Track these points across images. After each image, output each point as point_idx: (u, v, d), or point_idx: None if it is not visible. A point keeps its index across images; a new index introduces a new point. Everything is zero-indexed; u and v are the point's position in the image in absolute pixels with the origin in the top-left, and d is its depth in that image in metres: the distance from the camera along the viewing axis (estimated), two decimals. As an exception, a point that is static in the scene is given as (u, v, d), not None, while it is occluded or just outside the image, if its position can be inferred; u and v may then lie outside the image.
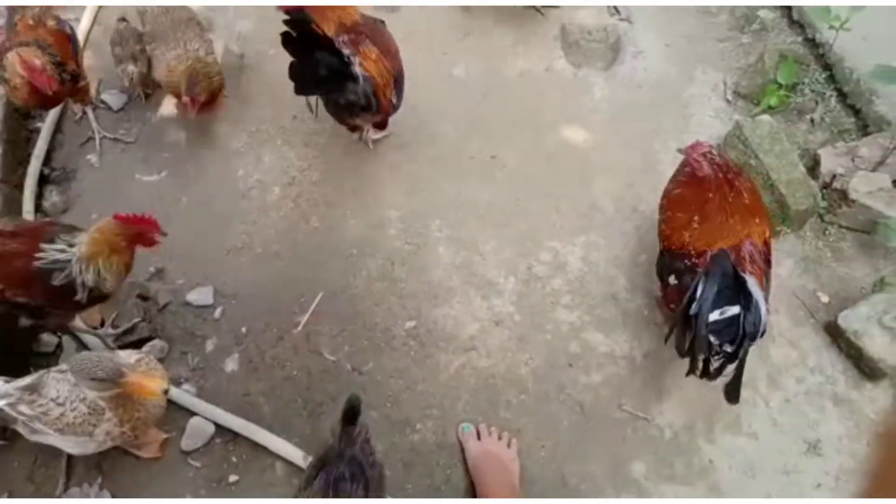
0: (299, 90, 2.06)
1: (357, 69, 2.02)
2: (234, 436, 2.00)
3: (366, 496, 1.47)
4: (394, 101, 2.20)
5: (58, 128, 2.51)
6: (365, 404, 2.05)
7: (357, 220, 2.40)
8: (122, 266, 1.81)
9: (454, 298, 2.27)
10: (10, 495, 1.90)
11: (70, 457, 1.89)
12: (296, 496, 1.57)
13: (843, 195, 2.35)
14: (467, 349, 2.18)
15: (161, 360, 2.07)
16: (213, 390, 2.07)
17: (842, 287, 2.33)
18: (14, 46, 2.07)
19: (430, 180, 2.49)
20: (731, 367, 1.86)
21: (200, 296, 2.20)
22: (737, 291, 1.77)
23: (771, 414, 2.13)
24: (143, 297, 2.14)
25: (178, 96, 2.36)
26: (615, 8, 2.92)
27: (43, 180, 2.39)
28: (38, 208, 2.31)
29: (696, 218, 1.98)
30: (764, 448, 2.08)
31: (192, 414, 2.01)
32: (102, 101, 2.57)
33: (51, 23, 2.23)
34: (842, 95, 2.63)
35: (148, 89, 2.58)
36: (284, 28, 1.88)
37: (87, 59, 2.68)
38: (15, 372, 1.79)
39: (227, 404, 2.03)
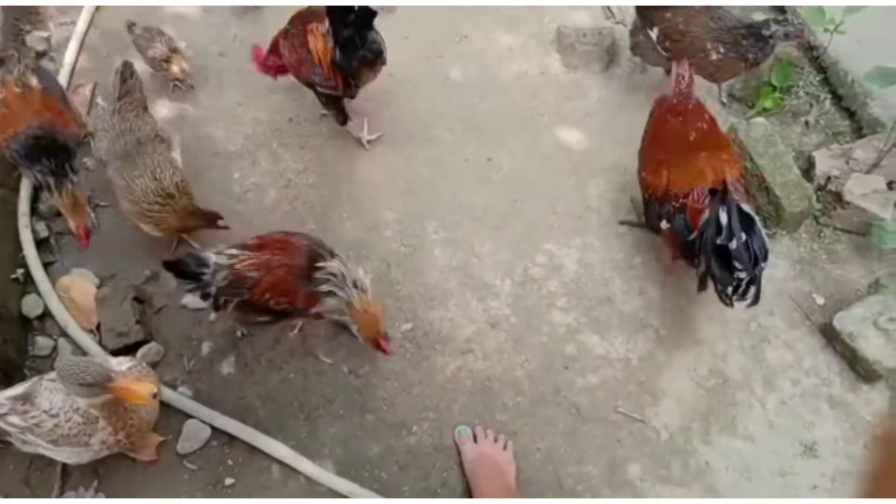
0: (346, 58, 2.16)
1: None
2: (231, 439, 2.00)
3: None
4: None
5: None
6: (361, 407, 2.08)
7: (353, 222, 2.40)
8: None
9: (450, 301, 2.27)
10: (6, 498, 1.90)
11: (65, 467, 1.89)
12: None
13: (838, 197, 2.35)
14: (464, 351, 2.19)
15: (157, 364, 2.08)
16: (209, 393, 2.07)
17: (837, 289, 2.33)
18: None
19: (426, 183, 2.50)
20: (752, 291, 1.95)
21: (196, 299, 2.16)
22: (739, 219, 1.87)
23: (767, 416, 2.13)
24: (139, 300, 2.13)
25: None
26: (610, 10, 2.93)
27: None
28: (33, 211, 2.31)
29: (664, 152, 2.14)
30: (760, 450, 2.08)
31: (188, 417, 2.01)
32: (98, 104, 2.57)
33: (34, 82, 2.12)
34: (836, 98, 2.64)
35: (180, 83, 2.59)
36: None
37: (82, 63, 2.69)
38: (10, 376, 1.79)
39: (222, 407, 2.03)
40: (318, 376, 2.12)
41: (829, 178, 2.39)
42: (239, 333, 2.16)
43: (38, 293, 2.14)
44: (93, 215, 2.27)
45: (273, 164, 2.51)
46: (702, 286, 2.07)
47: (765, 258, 1.89)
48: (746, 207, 1.93)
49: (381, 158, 2.55)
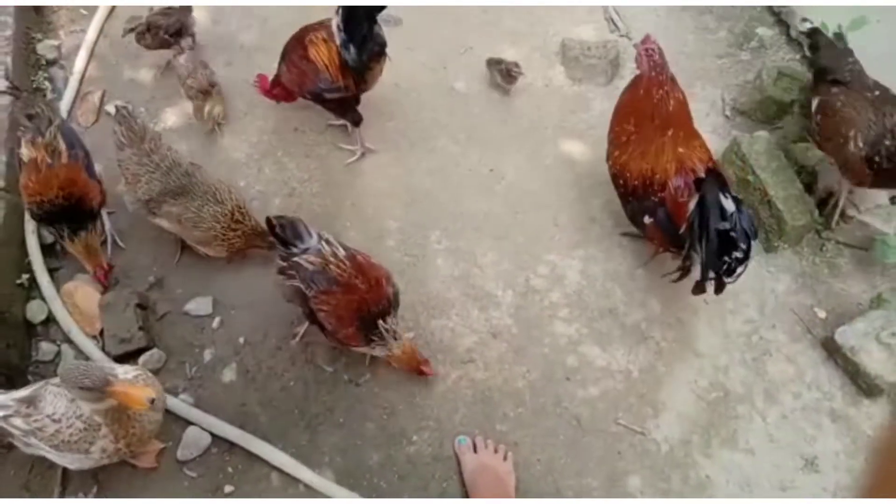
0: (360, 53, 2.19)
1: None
2: (231, 446, 2.00)
3: None
4: None
5: (69, 117, 2.53)
6: (361, 415, 2.08)
7: (356, 231, 2.42)
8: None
9: (452, 310, 2.27)
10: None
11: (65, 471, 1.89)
12: None
13: (841, 212, 2.36)
14: (465, 361, 2.19)
15: (158, 370, 2.09)
16: (211, 400, 2.07)
17: (839, 303, 2.33)
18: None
19: (429, 192, 2.51)
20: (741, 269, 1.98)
21: (199, 306, 2.21)
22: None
23: (768, 429, 2.13)
24: (142, 307, 2.14)
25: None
26: (614, 24, 2.95)
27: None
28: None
29: (632, 122, 2.18)
30: (761, 464, 2.07)
31: (189, 424, 2.01)
32: (108, 113, 2.60)
33: (62, 147, 2.06)
34: (840, 113, 2.64)
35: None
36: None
37: (91, 71, 2.72)
38: (12, 380, 1.80)
39: (223, 414, 2.03)
40: (319, 385, 2.12)
41: (831, 193, 2.39)
42: (241, 340, 2.17)
43: (43, 298, 2.16)
44: (109, 251, 2.28)
45: (278, 172, 2.53)
46: (683, 275, 2.12)
47: (755, 235, 1.93)
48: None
49: (385, 168, 2.56)
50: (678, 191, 2.06)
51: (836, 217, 2.42)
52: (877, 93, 2.20)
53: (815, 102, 2.32)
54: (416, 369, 2.03)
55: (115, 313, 2.10)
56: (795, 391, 2.19)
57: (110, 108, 2.59)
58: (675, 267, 2.16)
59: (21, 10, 2.72)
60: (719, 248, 1.90)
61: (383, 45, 2.23)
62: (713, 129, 2.68)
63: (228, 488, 1.96)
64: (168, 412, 1.99)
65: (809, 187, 2.43)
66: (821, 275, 2.39)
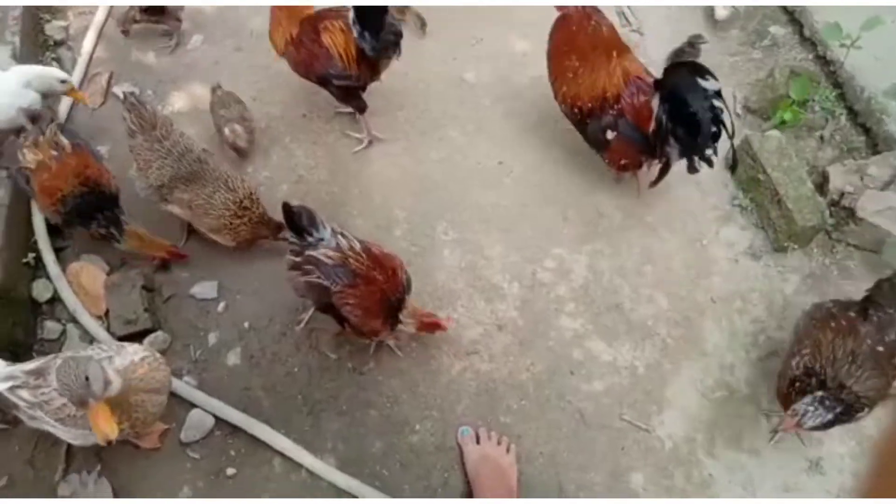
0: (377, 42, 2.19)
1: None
2: (234, 429, 2.00)
3: None
4: None
5: (68, 118, 2.52)
6: (365, 403, 2.08)
7: (363, 219, 2.41)
8: None
9: (458, 301, 2.27)
10: (10, 479, 1.90)
11: (70, 443, 1.88)
12: None
13: (851, 213, 2.34)
14: (469, 352, 2.18)
15: (163, 352, 2.08)
16: (214, 383, 2.07)
17: (847, 305, 2.32)
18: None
19: (437, 183, 2.50)
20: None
21: (205, 289, 2.20)
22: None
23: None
24: (148, 289, 2.14)
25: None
26: (626, 18, 2.93)
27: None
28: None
29: (574, 58, 2.25)
30: (765, 464, 2.06)
31: (193, 406, 2.01)
32: (115, 95, 2.59)
33: (64, 141, 2.06)
34: (852, 114, 2.62)
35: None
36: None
37: (99, 53, 2.71)
38: (18, 358, 1.79)
39: (227, 398, 2.03)
40: (323, 371, 2.12)
41: (842, 194, 2.37)
42: (246, 325, 2.16)
43: (48, 277, 2.15)
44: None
45: (285, 159, 2.52)
46: (664, 173, 2.27)
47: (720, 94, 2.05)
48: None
49: (394, 157, 2.55)
50: (633, 97, 2.17)
51: None
52: None
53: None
54: (433, 328, 2.02)
55: (120, 294, 2.10)
56: (801, 392, 2.17)
57: (118, 91, 2.58)
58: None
59: (30, -9, 2.72)
60: (711, 121, 2.04)
61: (399, 34, 2.22)
62: (725, 128, 2.66)
63: (231, 471, 1.95)
64: (172, 394, 1.99)
65: (821, 188, 2.41)
66: (830, 276, 2.38)
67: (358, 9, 2.13)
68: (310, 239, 1.87)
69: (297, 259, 1.89)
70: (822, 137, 2.61)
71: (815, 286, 2.36)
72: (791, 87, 2.57)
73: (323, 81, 2.35)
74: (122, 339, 2.03)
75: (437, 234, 2.40)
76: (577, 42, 2.25)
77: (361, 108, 2.45)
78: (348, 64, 2.23)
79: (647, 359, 2.21)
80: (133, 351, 1.66)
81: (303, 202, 2.38)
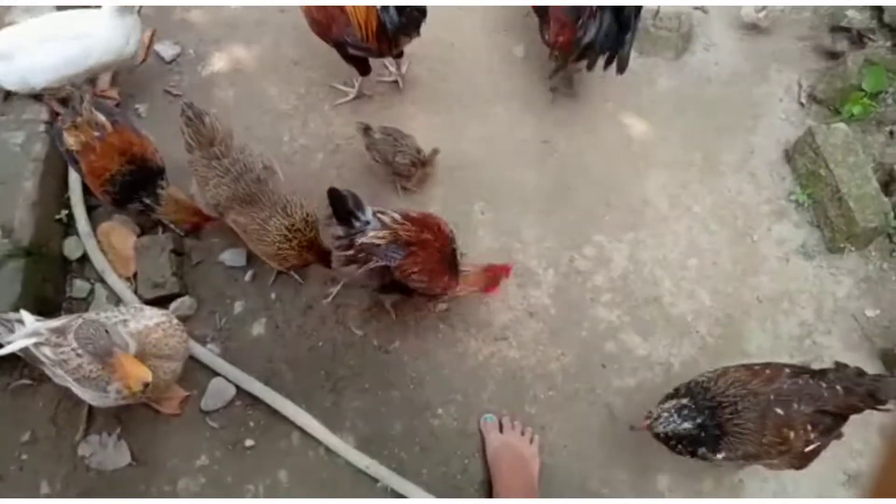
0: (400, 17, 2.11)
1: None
2: (254, 401, 1.98)
3: None
4: None
5: (113, 79, 2.49)
6: (388, 383, 2.04)
7: (399, 195, 2.34)
8: None
9: (489, 285, 2.19)
10: (33, 435, 1.93)
11: (91, 405, 1.89)
12: None
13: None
14: (498, 338, 2.11)
15: (188, 318, 2.07)
16: (238, 353, 2.05)
17: (904, 314, 2.18)
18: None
19: (477, 160, 2.41)
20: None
21: (233, 257, 2.17)
22: None
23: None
24: (178, 253, 2.12)
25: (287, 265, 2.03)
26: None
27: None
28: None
29: None
30: (800, 474, 1.95)
31: (215, 374, 2.00)
32: (157, 53, 2.55)
33: (102, 119, 1.96)
34: (928, 109, 2.43)
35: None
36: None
37: (144, 9, 2.66)
38: (46, 314, 1.79)
39: (249, 368, 2.01)
40: (348, 348, 2.08)
41: (911, 194, 2.21)
42: (273, 296, 2.13)
43: (79, 236, 2.15)
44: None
45: (323, 126, 2.46)
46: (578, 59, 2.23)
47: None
48: None
49: (433, 131, 2.46)
50: None
51: None
52: None
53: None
54: (497, 278, 1.97)
55: (149, 257, 2.08)
56: (847, 403, 2.05)
57: (161, 48, 2.55)
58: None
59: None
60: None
61: (423, 11, 2.11)
62: (786, 117, 2.51)
63: (249, 442, 1.94)
64: (194, 361, 1.98)
65: (887, 187, 2.25)
66: (888, 282, 2.23)
67: None
68: (357, 224, 1.79)
69: (350, 252, 1.81)
70: (892, 133, 2.42)
71: (869, 291, 2.22)
72: (864, 78, 2.38)
73: (338, 45, 2.25)
74: (148, 302, 2.02)
75: (472, 212, 2.32)
76: None
77: (365, 71, 2.38)
78: (366, 36, 2.12)
79: (684, 356, 2.11)
80: (149, 315, 1.64)
81: (338, 173, 2.37)
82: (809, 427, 1.65)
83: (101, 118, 1.96)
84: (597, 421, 2.02)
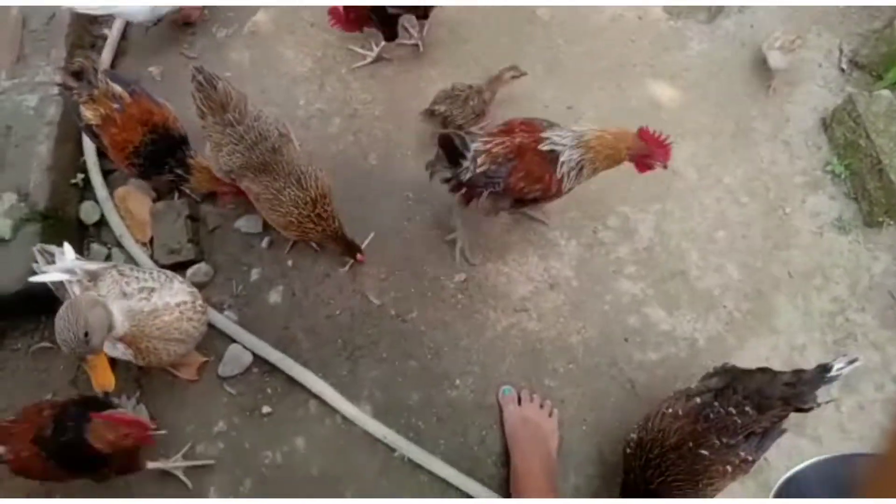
0: None
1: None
2: (272, 368, 1.97)
3: None
4: None
5: (123, 35, 2.45)
6: (405, 353, 2.01)
7: (417, 161, 2.28)
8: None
9: (509, 255, 2.14)
10: (54, 396, 1.94)
11: (112, 366, 1.89)
12: None
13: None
14: (517, 310, 2.07)
15: (205, 284, 2.06)
16: (254, 320, 2.03)
17: (944, 292, 2.09)
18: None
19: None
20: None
21: (250, 223, 2.14)
22: None
23: (840, 419, 1.95)
24: (193, 218, 2.10)
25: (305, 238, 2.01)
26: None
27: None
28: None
29: None
30: (826, 453, 1.90)
31: (232, 341, 1.98)
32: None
33: (120, 90, 1.92)
34: (978, 75, 2.29)
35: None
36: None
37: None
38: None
39: (266, 336, 1.99)
40: (365, 317, 2.05)
41: (955, 166, 2.10)
42: (290, 263, 2.10)
43: (96, 200, 2.13)
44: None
45: (340, 90, 2.39)
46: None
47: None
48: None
49: (454, 96, 2.39)
50: None
51: None
52: None
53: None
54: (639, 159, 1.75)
55: (165, 222, 2.06)
56: (878, 382, 1.98)
57: None
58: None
59: None
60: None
61: None
62: (825, 83, 2.38)
63: (266, 409, 1.94)
64: (211, 327, 1.97)
65: (930, 158, 2.14)
66: (927, 258, 2.14)
67: None
68: (465, 164, 1.77)
69: (463, 192, 1.82)
70: (938, 101, 2.29)
71: (909, 268, 2.13)
72: (911, 41, 2.26)
73: (375, 9, 2.18)
74: (165, 268, 2.00)
75: (493, 181, 2.25)
76: None
77: (392, 37, 2.30)
78: None
79: (710, 331, 2.05)
80: (176, 290, 1.61)
81: (356, 138, 2.31)
82: (742, 453, 1.56)
83: (118, 89, 1.92)
84: (618, 396, 1.97)
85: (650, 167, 1.75)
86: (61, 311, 1.40)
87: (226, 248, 2.13)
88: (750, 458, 1.58)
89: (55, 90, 2.14)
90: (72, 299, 1.50)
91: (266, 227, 2.13)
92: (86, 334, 1.38)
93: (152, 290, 1.60)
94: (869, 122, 2.10)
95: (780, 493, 1.30)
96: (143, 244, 2.08)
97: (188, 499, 1.85)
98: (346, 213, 2.07)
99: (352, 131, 2.32)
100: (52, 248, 1.71)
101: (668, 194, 2.22)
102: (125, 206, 2.11)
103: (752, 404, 1.57)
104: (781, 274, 2.11)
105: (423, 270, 2.11)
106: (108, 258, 2.08)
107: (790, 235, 2.17)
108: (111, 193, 2.13)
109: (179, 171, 1.99)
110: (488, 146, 1.76)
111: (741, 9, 2.52)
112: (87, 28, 2.45)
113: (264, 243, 2.13)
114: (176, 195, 2.16)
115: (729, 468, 1.56)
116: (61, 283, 1.64)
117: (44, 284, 1.66)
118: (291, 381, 1.95)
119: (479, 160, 1.75)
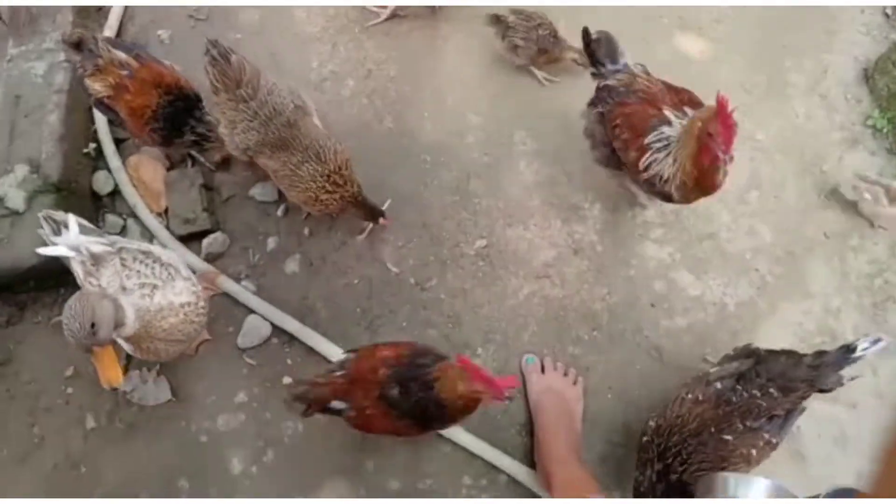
0: None
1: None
2: (291, 338, 1.94)
3: None
4: None
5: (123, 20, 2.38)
6: (425, 321, 1.97)
7: (434, 124, 2.20)
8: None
9: (531, 220, 2.07)
10: (76, 370, 1.94)
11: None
12: None
13: None
14: (540, 276, 2.01)
15: (221, 254, 2.03)
16: (272, 290, 2.01)
17: None
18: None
19: (518, 86, 2.24)
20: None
21: (265, 191, 2.10)
22: None
23: (877, 384, 1.88)
24: (208, 187, 2.05)
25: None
26: None
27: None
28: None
29: None
30: (861, 420, 1.85)
31: (250, 311, 1.96)
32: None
33: (125, 56, 1.86)
34: None
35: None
36: None
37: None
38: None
39: (284, 305, 1.96)
40: (384, 285, 2.01)
41: None
42: (306, 231, 2.06)
43: (109, 170, 2.09)
44: None
45: (354, 51, 2.31)
46: None
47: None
48: None
49: (471, 54, 2.29)
50: None
51: None
52: None
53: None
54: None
55: (180, 192, 2.03)
56: (918, 347, 1.91)
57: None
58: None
59: None
60: None
61: None
62: (867, 31, 2.25)
63: (287, 380, 1.92)
64: (228, 297, 1.95)
65: (981, 110, 2.01)
66: (975, 220, 2.02)
67: None
68: (603, 70, 1.78)
69: (598, 90, 1.82)
70: None
71: (954, 231, 2.02)
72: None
73: None
74: (181, 238, 1.97)
75: (513, 143, 2.17)
76: None
77: None
78: None
79: (740, 296, 1.98)
80: (179, 290, 1.56)
81: (370, 100, 2.23)
82: (766, 435, 1.52)
83: (122, 55, 1.85)
84: (643, 363, 1.92)
85: (713, 154, 1.55)
86: (70, 301, 1.36)
87: (241, 216, 2.09)
88: (774, 441, 1.54)
89: (62, 56, 2.08)
90: (82, 290, 1.46)
91: (281, 194, 2.08)
92: (93, 325, 1.34)
93: (154, 286, 1.55)
94: (915, 73, 1.98)
95: None
96: (158, 214, 2.05)
97: (189, 499, 1.84)
98: (361, 179, 2.02)
99: (366, 93, 2.24)
100: (58, 213, 1.67)
101: (697, 153, 2.12)
102: (138, 175, 2.07)
103: (776, 387, 1.53)
104: (816, 235, 2.03)
105: (442, 236, 2.05)
106: (123, 229, 2.05)
107: (826, 195, 2.07)
108: (124, 163, 2.09)
109: (202, 130, 1.94)
110: (638, 78, 1.74)
111: (777, -48, 2.36)
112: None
113: (280, 211, 2.08)
114: (189, 162, 2.11)
115: (754, 451, 1.52)
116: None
117: (57, 257, 1.64)
118: (311, 350, 1.92)
119: (620, 76, 1.74)
